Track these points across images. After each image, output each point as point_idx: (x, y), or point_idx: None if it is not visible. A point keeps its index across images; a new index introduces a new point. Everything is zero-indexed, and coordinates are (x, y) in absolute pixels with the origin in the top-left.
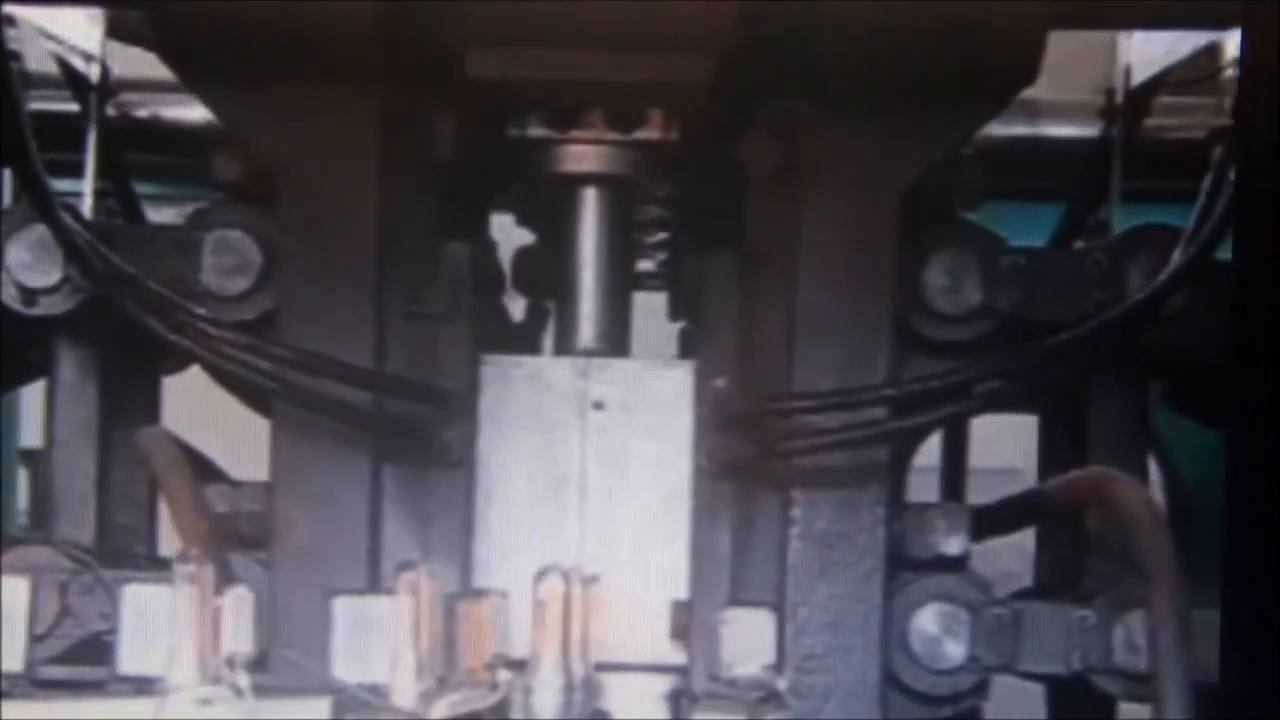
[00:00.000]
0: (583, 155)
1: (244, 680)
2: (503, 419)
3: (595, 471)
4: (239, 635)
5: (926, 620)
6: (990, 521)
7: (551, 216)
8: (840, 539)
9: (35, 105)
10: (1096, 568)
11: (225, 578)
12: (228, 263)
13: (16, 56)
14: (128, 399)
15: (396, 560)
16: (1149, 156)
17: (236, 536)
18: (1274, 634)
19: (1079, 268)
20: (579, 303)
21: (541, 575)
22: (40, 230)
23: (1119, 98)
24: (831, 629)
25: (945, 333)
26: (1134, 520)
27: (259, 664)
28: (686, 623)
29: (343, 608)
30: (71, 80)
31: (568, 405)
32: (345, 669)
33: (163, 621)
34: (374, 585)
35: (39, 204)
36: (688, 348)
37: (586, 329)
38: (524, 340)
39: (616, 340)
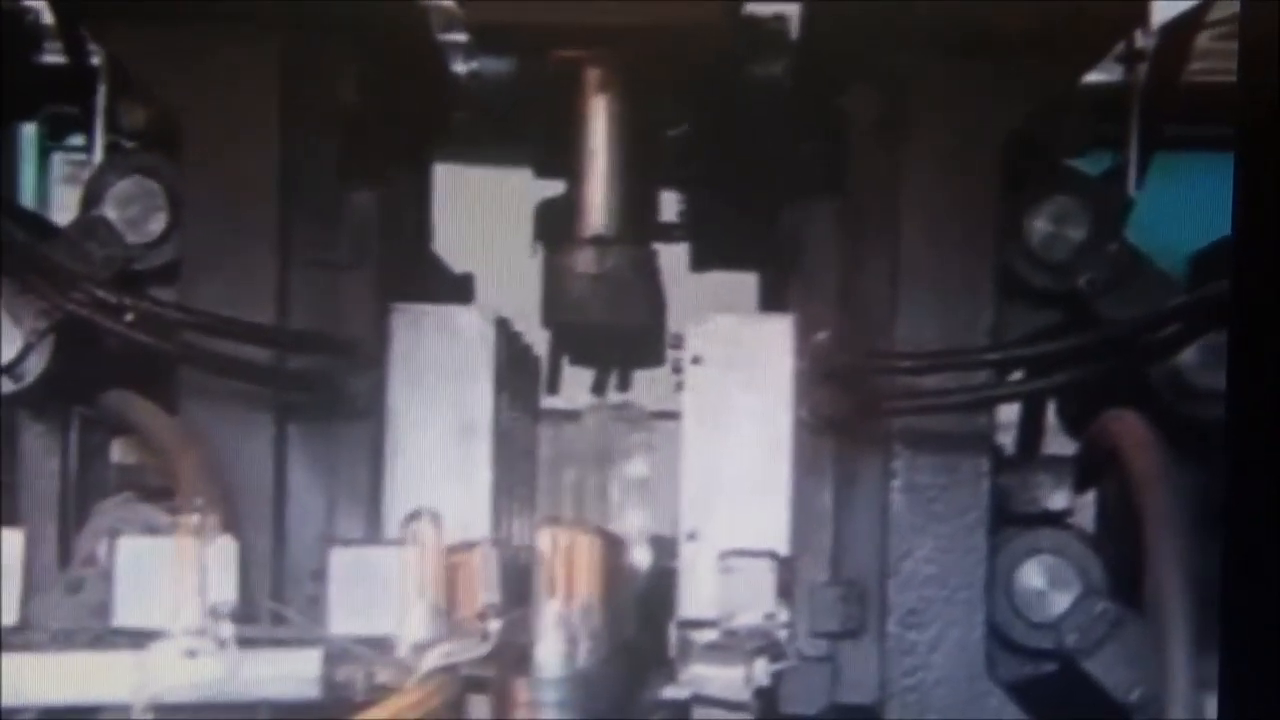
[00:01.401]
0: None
1: (227, 631)
2: (413, 368)
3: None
4: (223, 586)
5: (1031, 574)
6: None
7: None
8: (942, 493)
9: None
10: None
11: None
12: (134, 212)
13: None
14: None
15: (302, 513)
16: (1187, 102)
17: (144, 488)
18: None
19: None
20: (588, 188)
21: (541, 527)
22: None
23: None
24: (935, 583)
25: (1051, 281)
26: (1129, 453)
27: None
28: (789, 580)
29: (340, 558)
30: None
31: (477, 353)
32: (342, 620)
33: (157, 574)
34: (280, 540)
35: None
36: (772, 300)
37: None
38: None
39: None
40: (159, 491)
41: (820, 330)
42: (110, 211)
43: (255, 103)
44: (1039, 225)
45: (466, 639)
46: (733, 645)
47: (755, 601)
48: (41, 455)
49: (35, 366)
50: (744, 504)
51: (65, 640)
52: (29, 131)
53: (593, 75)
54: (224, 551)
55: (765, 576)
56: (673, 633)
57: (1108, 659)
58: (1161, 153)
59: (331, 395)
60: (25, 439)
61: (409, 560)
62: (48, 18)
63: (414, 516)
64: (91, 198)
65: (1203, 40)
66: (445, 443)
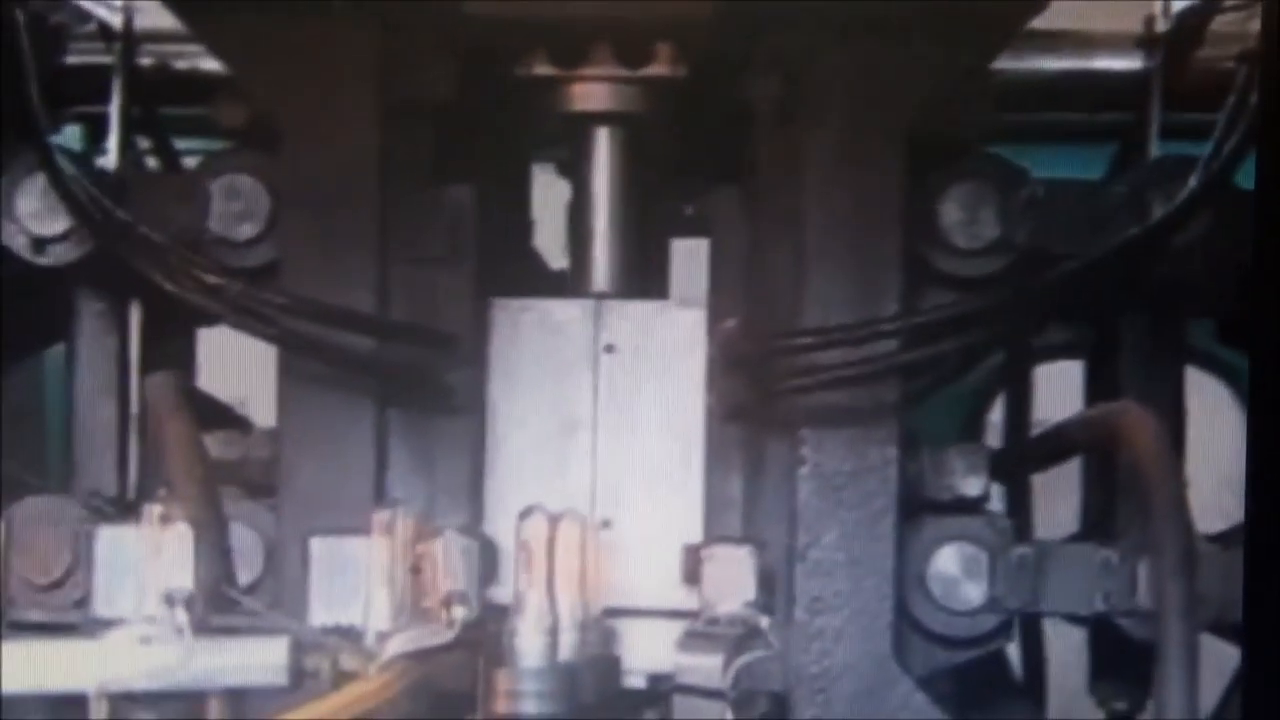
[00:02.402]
0: (590, 94)
1: (183, 618)
2: (512, 363)
3: (607, 416)
4: (180, 573)
5: (945, 561)
6: (1008, 463)
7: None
8: (850, 479)
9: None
10: (1130, 509)
11: (222, 524)
12: (236, 209)
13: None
14: (159, 350)
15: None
16: (1201, 89)
17: (245, 483)
18: None
19: (1099, 199)
20: (591, 244)
21: (525, 515)
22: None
23: (1160, 25)
24: (842, 571)
25: (962, 267)
26: (1141, 454)
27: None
28: (698, 567)
29: (319, 548)
30: (100, 30)
31: (578, 348)
32: (322, 609)
33: (135, 563)
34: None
35: (37, 150)
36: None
37: (599, 272)
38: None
39: (630, 283)
40: (259, 487)
41: (728, 318)
42: (216, 207)
43: (352, 96)
44: (949, 211)
45: (429, 627)
46: (712, 634)
47: (735, 590)
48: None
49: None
50: (656, 492)
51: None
52: (71, 134)
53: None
54: (181, 539)
55: (745, 564)
56: None
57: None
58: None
59: (430, 388)
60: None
61: (376, 550)
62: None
63: (527, 513)
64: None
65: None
66: (545, 439)
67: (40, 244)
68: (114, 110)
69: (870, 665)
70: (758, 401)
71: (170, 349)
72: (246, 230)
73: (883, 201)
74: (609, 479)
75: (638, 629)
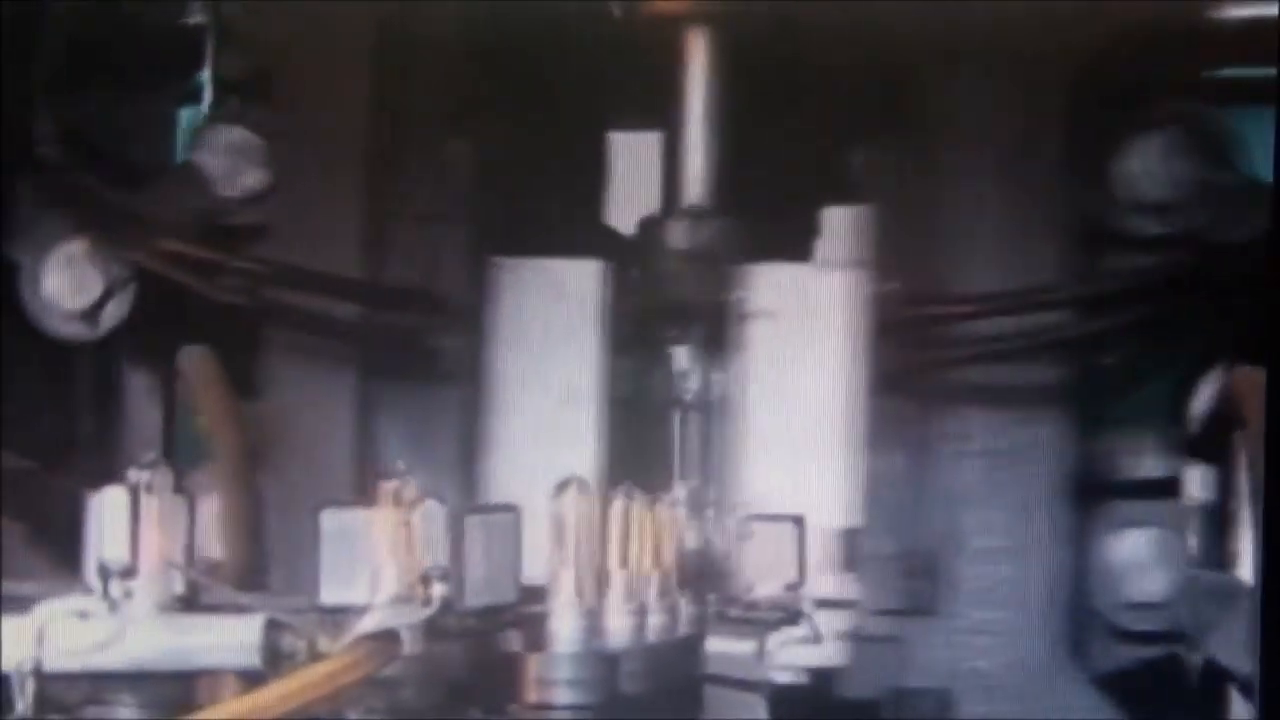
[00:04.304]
0: None
1: (117, 590)
2: (514, 325)
3: (753, 386)
4: (113, 542)
5: (1131, 548)
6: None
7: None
8: (1016, 458)
9: None
10: None
11: (256, 495)
12: (231, 164)
13: None
14: None
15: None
16: None
17: None
18: None
19: None
20: (684, 155)
21: (561, 488)
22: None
23: None
24: (1007, 558)
25: (1146, 225)
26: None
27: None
28: (853, 554)
29: (330, 520)
30: None
31: (584, 309)
32: (330, 582)
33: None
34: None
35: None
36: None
37: (694, 185)
38: None
39: (727, 200)
40: None
41: (886, 281)
42: (207, 162)
43: (348, 48)
44: (1133, 164)
45: (405, 604)
46: (750, 619)
47: (776, 570)
48: (142, 411)
49: (114, 314)
50: (807, 470)
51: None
52: None
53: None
54: (115, 507)
55: (787, 542)
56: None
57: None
58: None
59: (420, 353)
60: (125, 394)
61: (377, 523)
62: None
63: (564, 485)
64: (190, 148)
65: None
66: (548, 406)
67: (88, 318)
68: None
69: (1039, 661)
70: (914, 373)
71: None
72: (241, 186)
73: (1054, 155)
74: (753, 455)
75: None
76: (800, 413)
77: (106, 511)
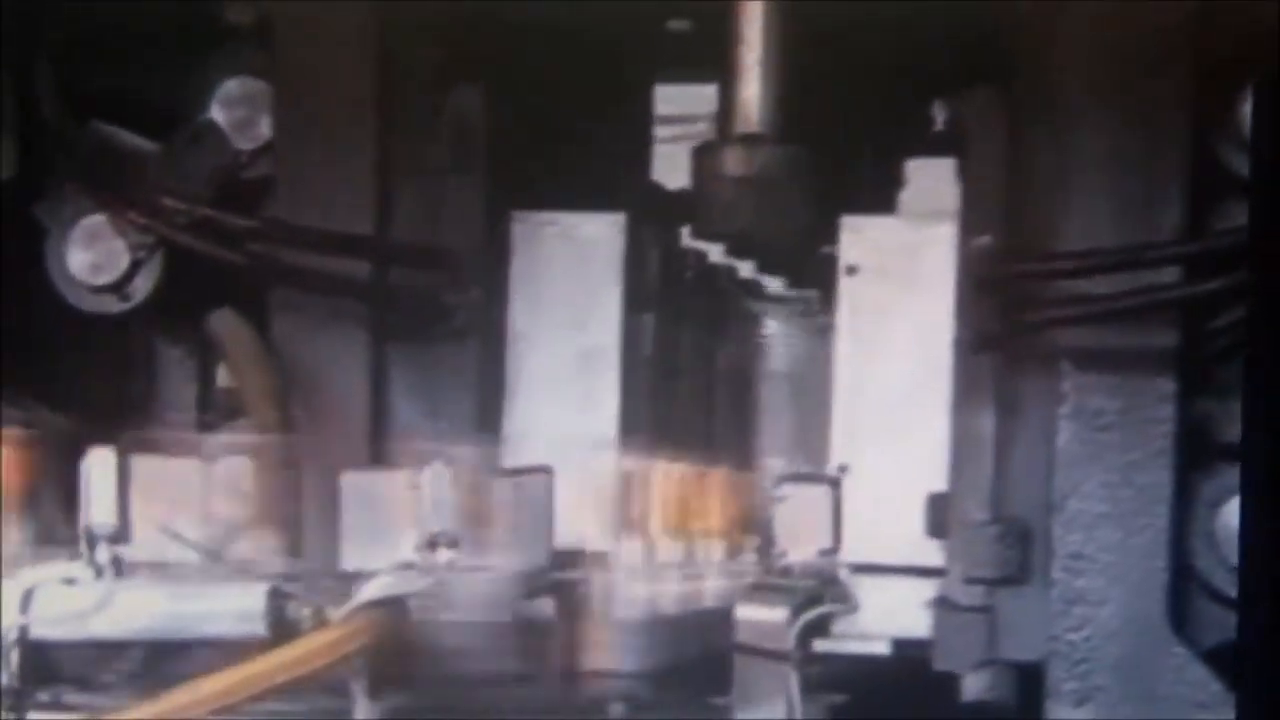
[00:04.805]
0: None
1: (104, 556)
2: (533, 282)
3: (844, 345)
4: (101, 508)
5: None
6: None
7: None
8: (1117, 419)
9: None
10: None
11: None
12: (242, 114)
13: None
14: None
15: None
16: None
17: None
18: None
19: None
20: (739, 82)
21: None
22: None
23: None
24: (1107, 524)
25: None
26: None
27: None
28: (945, 519)
29: (351, 483)
30: None
31: (605, 266)
32: (354, 546)
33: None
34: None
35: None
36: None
37: (749, 110)
38: None
39: (782, 128)
40: None
41: (983, 234)
42: (218, 115)
43: None
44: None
45: (406, 572)
46: (780, 586)
47: (809, 536)
48: (177, 381)
49: (144, 286)
50: (899, 433)
51: None
52: None
53: None
54: (103, 471)
55: (821, 506)
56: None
57: None
58: None
59: (432, 311)
60: (160, 364)
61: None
62: None
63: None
64: (203, 102)
65: None
66: (567, 365)
67: (118, 291)
68: None
69: (1139, 632)
70: (1013, 331)
71: None
72: (255, 136)
73: (1167, 100)
74: (845, 416)
75: (877, 588)
76: (888, 373)
77: (94, 474)
